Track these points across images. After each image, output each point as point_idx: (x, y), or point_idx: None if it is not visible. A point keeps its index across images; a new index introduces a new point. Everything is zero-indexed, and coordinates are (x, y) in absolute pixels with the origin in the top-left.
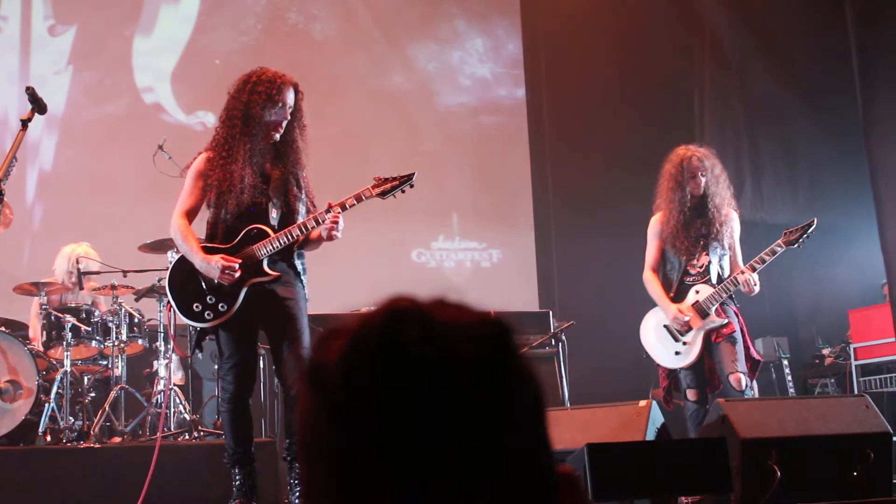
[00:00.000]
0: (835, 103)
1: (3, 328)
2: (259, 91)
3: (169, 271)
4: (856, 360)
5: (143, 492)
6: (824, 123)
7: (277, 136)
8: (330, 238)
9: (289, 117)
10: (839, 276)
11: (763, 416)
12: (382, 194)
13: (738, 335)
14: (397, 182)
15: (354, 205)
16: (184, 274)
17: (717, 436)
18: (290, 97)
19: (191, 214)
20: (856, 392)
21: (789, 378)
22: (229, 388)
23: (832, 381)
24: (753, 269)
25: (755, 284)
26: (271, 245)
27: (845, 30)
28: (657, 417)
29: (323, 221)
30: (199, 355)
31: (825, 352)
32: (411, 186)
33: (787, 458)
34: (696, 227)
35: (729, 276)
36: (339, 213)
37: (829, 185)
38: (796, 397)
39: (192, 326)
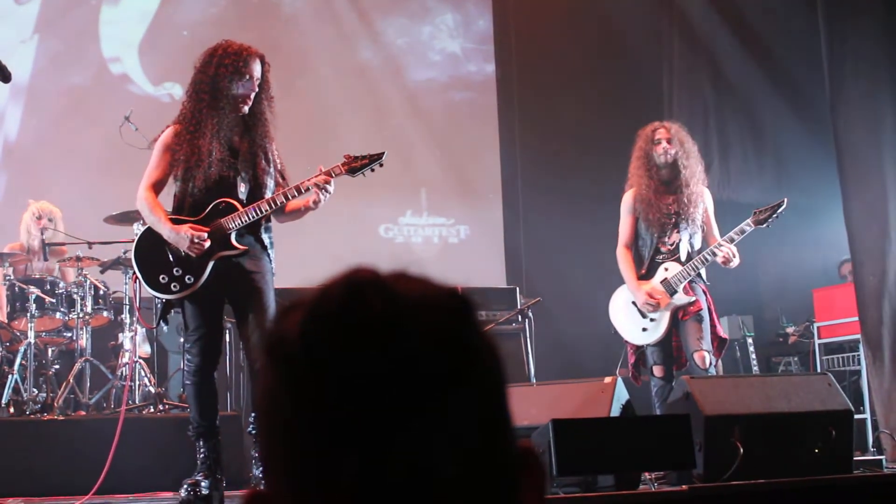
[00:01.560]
0: (803, 83)
1: None
2: (226, 64)
3: (135, 242)
4: (819, 338)
5: (107, 464)
6: (792, 103)
7: (246, 108)
8: (310, 206)
9: (256, 90)
10: (804, 256)
11: (727, 393)
12: (352, 171)
13: (704, 313)
14: (367, 160)
15: (328, 181)
16: (150, 245)
17: (681, 413)
18: (256, 69)
19: (157, 187)
20: (819, 370)
21: (753, 356)
22: (194, 360)
23: (795, 359)
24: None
25: (734, 256)
26: (240, 219)
27: (815, 10)
28: (622, 394)
29: (307, 188)
30: (165, 328)
31: (789, 330)
32: (381, 165)
33: (750, 435)
34: (667, 204)
35: (702, 250)
36: (330, 177)
37: (796, 164)
38: (760, 375)
39: (158, 298)
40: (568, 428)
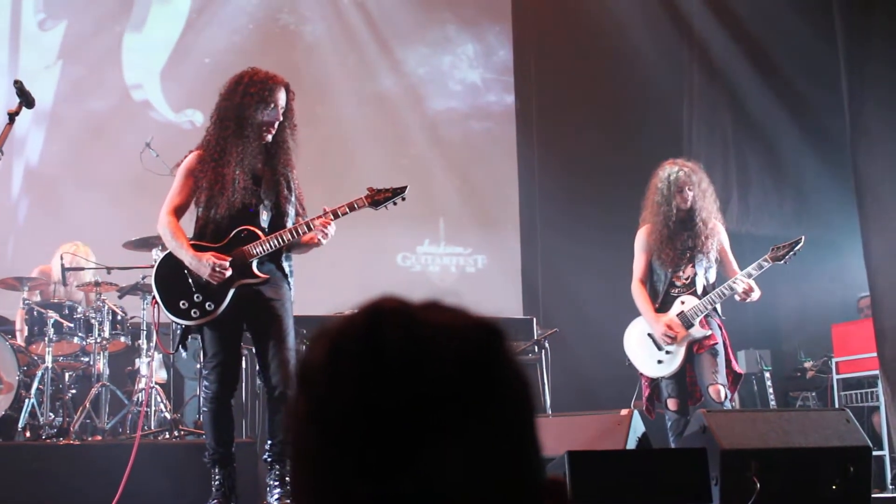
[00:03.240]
0: (822, 117)
1: None
2: (251, 93)
3: (155, 267)
4: (837, 374)
5: (120, 489)
6: (811, 137)
7: (270, 136)
8: (317, 243)
9: (281, 118)
10: (823, 290)
11: (744, 427)
12: (374, 204)
13: (719, 347)
14: (389, 194)
15: (346, 213)
16: (171, 271)
17: (697, 446)
18: (282, 98)
19: (179, 212)
20: (837, 406)
21: (770, 390)
22: (212, 387)
23: (813, 394)
24: None
25: (754, 289)
26: (261, 247)
27: (834, 43)
28: (638, 426)
29: (313, 227)
30: (183, 354)
31: (807, 365)
32: (403, 199)
33: (767, 470)
34: (682, 240)
35: (721, 284)
36: (330, 219)
37: (816, 198)
38: (778, 410)
39: (177, 324)
40: (584, 460)
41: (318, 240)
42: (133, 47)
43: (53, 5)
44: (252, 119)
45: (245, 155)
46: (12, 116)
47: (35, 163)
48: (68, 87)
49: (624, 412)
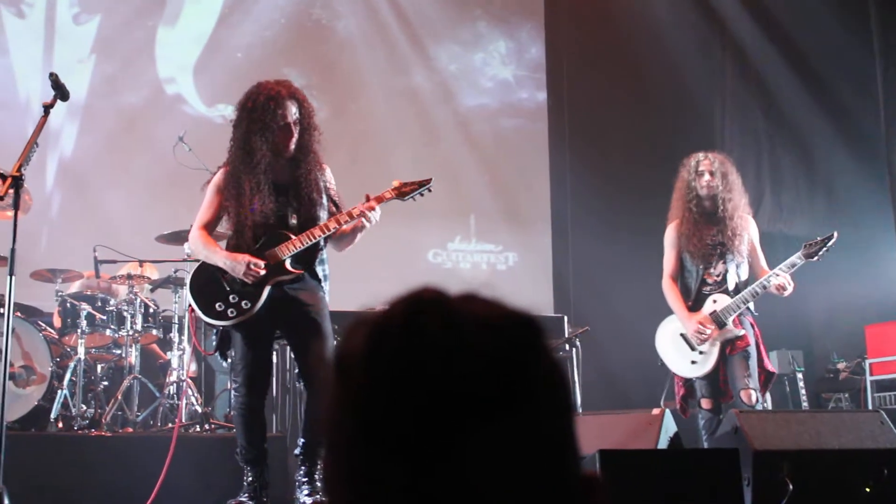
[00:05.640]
0: (856, 116)
1: (18, 313)
2: (255, 119)
3: (189, 279)
4: (871, 375)
5: (160, 481)
6: (845, 136)
7: (288, 152)
8: (361, 226)
9: (296, 134)
10: (856, 290)
11: (776, 428)
12: (401, 196)
13: (752, 349)
14: (415, 186)
15: (382, 202)
16: (204, 277)
17: (729, 446)
18: (291, 113)
19: (209, 227)
20: (870, 408)
21: (803, 391)
22: (242, 390)
23: (846, 395)
24: None
25: (789, 284)
26: (293, 246)
27: (870, 43)
28: (670, 426)
29: (355, 215)
30: (224, 364)
31: (840, 366)
32: (429, 191)
33: (799, 471)
34: (710, 236)
35: (753, 281)
36: (374, 205)
37: (849, 197)
38: (810, 411)
39: (215, 327)
40: (615, 459)
41: (362, 223)
42: (166, 41)
43: None
44: (262, 147)
45: (263, 182)
46: (47, 109)
47: (69, 156)
48: (102, 81)
49: (656, 411)
